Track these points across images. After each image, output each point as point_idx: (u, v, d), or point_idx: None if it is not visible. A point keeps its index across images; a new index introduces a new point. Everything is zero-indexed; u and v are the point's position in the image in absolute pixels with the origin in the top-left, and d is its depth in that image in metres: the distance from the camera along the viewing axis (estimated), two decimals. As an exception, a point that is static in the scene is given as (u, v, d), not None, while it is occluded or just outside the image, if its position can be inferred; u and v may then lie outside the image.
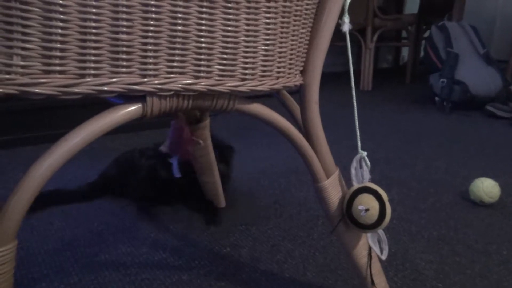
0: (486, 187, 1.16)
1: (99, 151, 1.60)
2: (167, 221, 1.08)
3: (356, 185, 0.65)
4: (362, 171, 0.66)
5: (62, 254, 0.93)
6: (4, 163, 1.52)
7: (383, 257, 0.66)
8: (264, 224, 1.06)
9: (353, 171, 0.66)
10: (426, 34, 3.20)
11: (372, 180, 0.66)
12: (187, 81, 0.49)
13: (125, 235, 1.01)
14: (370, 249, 0.69)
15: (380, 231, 0.66)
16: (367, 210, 0.62)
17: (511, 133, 1.98)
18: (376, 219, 0.62)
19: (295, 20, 0.57)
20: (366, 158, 0.65)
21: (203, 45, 0.49)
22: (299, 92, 0.64)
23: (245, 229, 1.04)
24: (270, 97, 0.69)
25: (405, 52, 4.31)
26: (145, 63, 0.46)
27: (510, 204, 1.19)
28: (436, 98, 2.46)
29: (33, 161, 0.43)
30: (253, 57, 0.54)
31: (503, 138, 1.89)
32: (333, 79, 3.22)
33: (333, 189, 0.66)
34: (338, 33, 0.64)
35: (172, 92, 0.49)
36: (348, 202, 0.64)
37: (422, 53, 3.30)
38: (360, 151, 0.65)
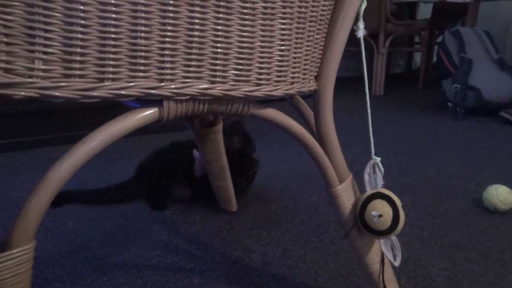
0: (501, 194, 1.15)
1: (111, 153, 1.61)
2: (179, 224, 1.09)
3: (369, 191, 0.65)
4: (375, 176, 0.66)
5: (75, 255, 0.94)
6: (18, 164, 1.54)
7: (396, 264, 0.66)
8: (276, 229, 1.06)
9: (366, 176, 0.66)
10: (439, 39, 3.18)
11: (385, 185, 0.66)
12: (203, 86, 0.50)
13: (137, 237, 1.02)
14: (383, 255, 0.69)
15: (393, 237, 0.65)
16: (380, 216, 0.62)
17: (526, 140, 1.96)
18: (389, 225, 0.62)
19: (310, 26, 0.58)
20: (380, 164, 0.65)
21: (219, 50, 0.50)
22: (313, 97, 0.64)
23: (257, 233, 1.04)
24: (282, 101, 0.70)
25: (417, 57, 4.29)
26: (162, 68, 0.47)
27: (525, 212, 1.17)
28: (449, 104, 2.44)
29: (47, 162, 0.44)
30: (268, 62, 0.54)
31: (518, 145, 1.87)
32: (345, 84, 3.22)
33: (346, 195, 0.66)
34: (350, 38, 0.64)
35: (188, 97, 0.49)
36: (361, 207, 0.64)
37: (435, 59, 3.28)
38: (374, 156, 0.65)
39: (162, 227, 1.07)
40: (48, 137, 1.77)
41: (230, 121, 1.17)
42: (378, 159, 0.65)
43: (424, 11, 3.75)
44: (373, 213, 0.62)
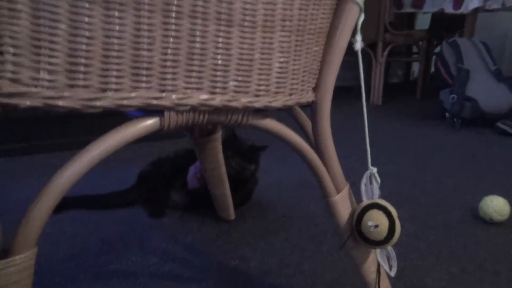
0: (496, 205, 1.16)
1: (110, 159, 1.62)
2: (177, 232, 1.09)
3: (366, 201, 0.66)
4: (372, 187, 0.67)
5: (74, 262, 0.94)
6: (17, 170, 1.55)
7: (392, 274, 0.66)
8: (273, 238, 1.07)
9: (363, 187, 0.67)
10: (437, 50, 3.20)
11: (381, 195, 0.67)
12: (204, 97, 0.51)
13: (136, 244, 1.02)
14: (379, 265, 0.69)
15: (389, 247, 0.66)
16: (376, 226, 0.62)
17: (522, 151, 1.97)
18: (385, 236, 0.63)
19: (308, 38, 0.59)
20: (376, 175, 0.66)
21: (220, 62, 0.51)
22: (310, 108, 0.65)
23: (254, 242, 1.05)
24: (280, 110, 0.71)
25: (415, 67, 4.32)
26: (164, 79, 0.48)
27: (521, 223, 1.18)
28: (447, 114, 2.45)
29: (45, 168, 0.45)
30: (268, 74, 0.55)
31: (514, 156, 1.88)
32: (342, 93, 3.23)
33: (343, 204, 0.67)
34: (348, 48, 0.66)
35: (188, 107, 0.50)
36: (358, 217, 0.65)
37: (432, 69, 3.30)
38: (371, 167, 0.66)
39: (160, 235, 1.07)
40: (47, 143, 1.78)
41: (229, 139, 1.17)
42: (375, 170, 0.66)
43: (422, 22, 3.78)
44: (370, 223, 0.63)
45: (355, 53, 0.65)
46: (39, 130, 1.77)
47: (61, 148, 1.75)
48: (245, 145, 1.19)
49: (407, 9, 2.93)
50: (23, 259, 0.42)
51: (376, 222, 0.62)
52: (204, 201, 1.16)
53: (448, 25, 3.28)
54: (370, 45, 3.02)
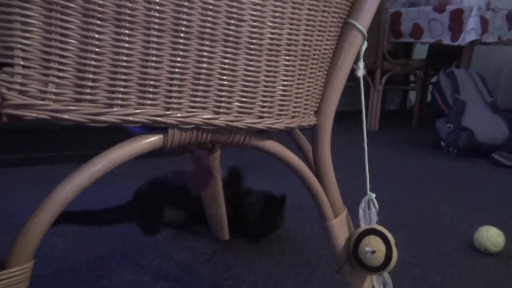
0: (491, 236, 1.16)
1: (107, 175, 1.61)
2: (170, 250, 1.08)
3: (363, 226, 0.66)
4: (370, 212, 0.67)
5: (65, 277, 0.93)
6: (11, 181, 1.53)
7: (388, 301, 0.66)
8: (267, 260, 1.06)
9: (361, 212, 0.67)
10: (434, 80, 3.25)
11: (377, 221, 0.67)
12: (208, 116, 0.52)
13: (128, 261, 1.01)
14: (374, 291, 0.69)
15: (386, 274, 0.66)
16: (373, 252, 0.62)
17: (517, 182, 1.98)
18: (382, 262, 0.62)
19: (312, 63, 0.60)
20: (375, 200, 0.66)
21: (225, 82, 0.52)
22: (311, 131, 0.66)
23: (248, 264, 1.04)
24: (281, 132, 0.71)
25: (412, 95, 4.36)
26: (170, 97, 0.49)
27: (515, 255, 1.18)
28: (442, 143, 2.47)
29: (41, 181, 0.45)
30: (271, 96, 0.56)
31: (509, 187, 1.89)
32: (340, 118, 3.26)
33: (340, 229, 0.67)
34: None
35: (192, 126, 0.51)
36: (355, 243, 0.65)
37: (429, 98, 3.34)
38: (369, 192, 0.66)
39: (153, 252, 1.06)
40: (42, 155, 1.77)
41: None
42: (373, 195, 0.66)
43: (420, 52, 3.85)
44: (367, 249, 0.63)
45: (354, 78, 0.66)
46: (35, 143, 1.76)
47: (56, 161, 1.74)
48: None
49: (406, 39, 2.98)
50: (20, 272, 0.42)
51: (374, 248, 0.62)
52: (201, 218, 1.15)
53: (445, 56, 3.33)
54: (368, 72, 3.06)
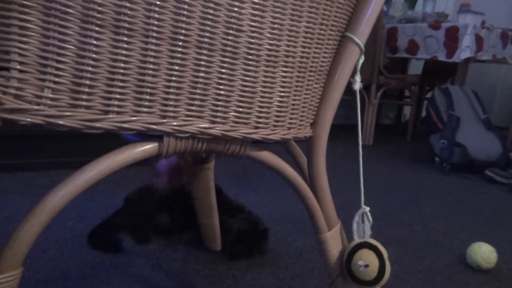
0: (483, 253, 1.16)
1: (99, 182, 1.60)
2: (162, 259, 1.07)
3: (357, 240, 0.65)
4: (363, 226, 0.66)
5: (53, 285, 0.91)
6: (3, 187, 1.52)
7: (380, 316, 0.65)
8: (259, 272, 1.05)
9: (355, 225, 0.67)
10: (428, 95, 3.28)
11: (371, 235, 0.67)
12: (204, 125, 0.51)
13: (119, 270, 1.00)
14: (367, 306, 0.68)
15: (378, 288, 0.65)
16: (366, 266, 0.62)
17: (510, 199, 1.99)
18: (375, 276, 0.62)
19: (309, 76, 0.60)
20: (369, 214, 0.66)
21: (222, 92, 0.52)
22: (307, 143, 0.66)
23: (240, 275, 1.03)
24: (276, 142, 0.71)
25: (407, 110, 4.39)
26: (166, 105, 0.49)
27: (507, 271, 1.18)
28: (436, 159, 2.48)
29: (32, 187, 0.44)
30: (268, 107, 0.56)
31: (502, 204, 1.90)
32: (334, 131, 3.27)
33: (333, 242, 0.66)
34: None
35: (188, 134, 0.51)
36: (348, 256, 0.64)
37: (423, 113, 3.37)
38: (363, 206, 0.66)
39: (144, 262, 1.05)
40: (34, 161, 1.75)
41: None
42: (368, 209, 0.66)
43: (416, 67, 3.89)
44: (360, 262, 0.62)
45: (349, 92, 0.66)
46: (26, 148, 1.75)
47: (49, 168, 1.72)
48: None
49: (402, 54, 3.01)
50: (8, 278, 0.41)
51: (367, 261, 0.62)
52: (192, 226, 1.14)
53: (440, 72, 3.37)
54: (364, 86, 3.08)
